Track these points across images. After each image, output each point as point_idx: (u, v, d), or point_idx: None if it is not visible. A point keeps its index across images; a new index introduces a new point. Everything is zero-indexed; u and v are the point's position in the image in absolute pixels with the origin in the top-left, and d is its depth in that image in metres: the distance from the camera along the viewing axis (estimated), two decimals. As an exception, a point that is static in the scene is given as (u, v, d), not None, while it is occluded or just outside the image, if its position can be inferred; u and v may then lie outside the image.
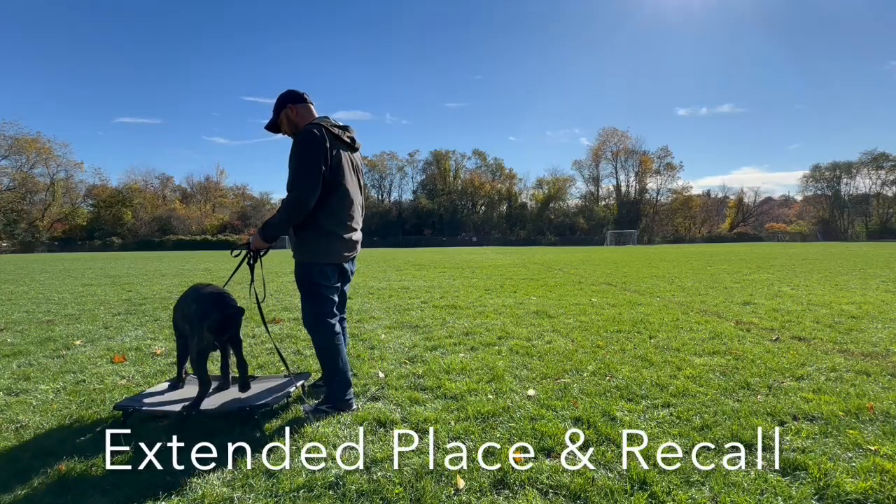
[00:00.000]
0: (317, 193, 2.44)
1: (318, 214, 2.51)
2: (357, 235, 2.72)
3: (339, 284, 2.72)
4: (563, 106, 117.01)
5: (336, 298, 2.71)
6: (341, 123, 2.64)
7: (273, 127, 2.71)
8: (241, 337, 2.68)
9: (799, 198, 78.74)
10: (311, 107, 2.67)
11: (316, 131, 2.46)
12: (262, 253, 2.70)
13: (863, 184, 70.54)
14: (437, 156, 73.53)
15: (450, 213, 69.78)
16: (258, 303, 2.81)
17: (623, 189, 73.89)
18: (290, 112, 2.62)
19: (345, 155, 2.59)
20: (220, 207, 73.11)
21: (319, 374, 3.22)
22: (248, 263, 2.72)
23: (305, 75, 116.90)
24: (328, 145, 2.46)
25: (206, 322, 2.45)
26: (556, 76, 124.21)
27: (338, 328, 2.66)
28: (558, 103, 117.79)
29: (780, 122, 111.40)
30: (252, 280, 2.75)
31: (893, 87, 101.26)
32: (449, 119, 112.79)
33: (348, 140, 2.63)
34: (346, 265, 2.72)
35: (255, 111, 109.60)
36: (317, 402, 2.72)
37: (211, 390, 2.70)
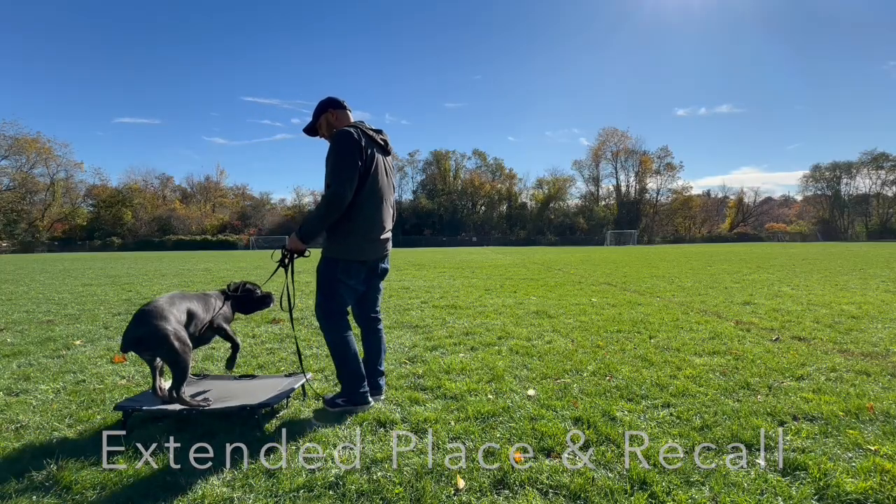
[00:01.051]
0: (353, 189, 2.50)
1: (349, 213, 2.55)
2: (386, 235, 2.76)
3: (363, 284, 2.74)
4: (563, 106, 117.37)
5: (350, 299, 2.72)
6: (376, 128, 2.73)
7: (311, 130, 2.80)
8: (179, 365, 2.37)
9: (799, 198, 78.88)
10: (349, 113, 2.77)
11: (353, 131, 2.54)
12: (296, 255, 2.70)
13: (863, 184, 70.68)
14: (437, 156, 73.52)
15: (450, 213, 69.77)
16: (290, 308, 2.84)
17: (623, 189, 73.92)
18: (330, 116, 2.73)
19: (379, 157, 2.67)
20: (220, 207, 73.08)
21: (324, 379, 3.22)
22: (283, 265, 2.70)
23: (304, 76, 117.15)
24: (364, 145, 2.54)
25: (122, 338, 2.40)
26: (555, 76, 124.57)
27: (347, 324, 2.69)
28: (557, 103, 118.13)
29: (779, 122, 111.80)
30: (286, 284, 2.76)
31: (892, 87, 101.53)
32: (448, 119, 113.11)
33: (382, 143, 2.71)
34: (374, 264, 2.74)
35: (254, 112, 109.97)
36: (332, 395, 2.75)
37: (210, 392, 2.70)
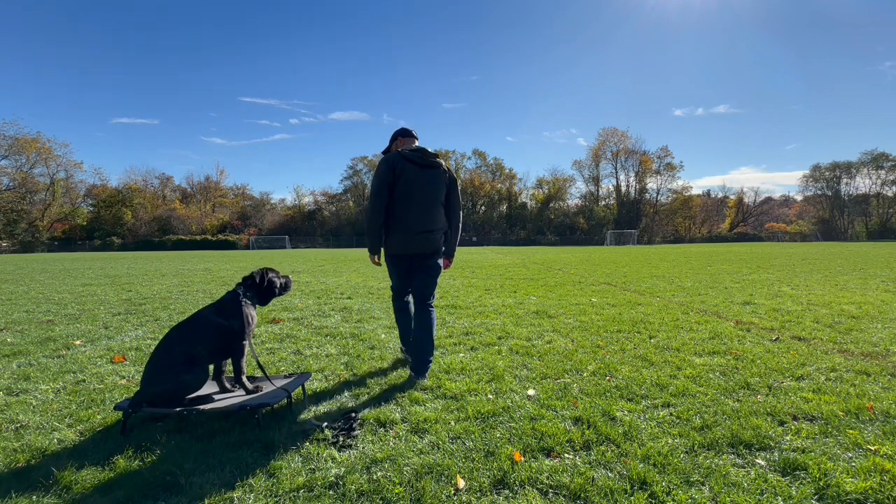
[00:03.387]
0: (381, 201, 3.14)
1: (387, 218, 3.20)
2: (421, 235, 3.18)
3: (404, 272, 3.32)
4: (560, 107, 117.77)
5: (400, 282, 3.39)
6: (417, 147, 3.26)
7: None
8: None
9: (799, 198, 78.91)
10: (414, 140, 3.40)
11: (387, 157, 3.21)
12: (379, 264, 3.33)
13: (863, 184, 70.75)
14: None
15: (391, 157, 69.57)
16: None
17: (623, 189, 73.97)
18: (398, 143, 3.39)
19: (413, 172, 3.17)
20: (219, 207, 73.09)
21: (324, 376, 3.22)
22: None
23: (302, 77, 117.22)
24: (394, 165, 3.13)
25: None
26: (552, 77, 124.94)
27: (398, 306, 3.46)
28: (555, 104, 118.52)
29: (777, 122, 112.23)
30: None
31: (889, 88, 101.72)
32: (446, 120, 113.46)
33: (418, 160, 3.19)
34: (413, 259, 3.25)
35: (252, 112, 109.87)
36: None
37: (210, 393, 2.71)
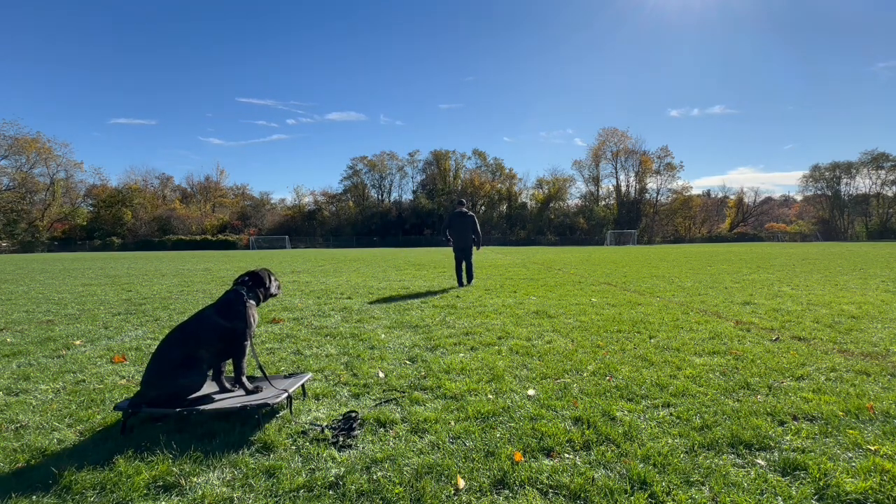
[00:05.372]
0: (445, 229, 9.18)
1: (451, 236, 9.14)
2: (460, 241, 8.97)
3: (459, 256, 9.07)
4: (557, 107, 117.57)
5: (457, 260, 9.13)
6: (458, 211, 9.12)
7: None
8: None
9: (799, 198, 78.86)
10: (461, 206, 9.23)
11: (449, 214, 9.30)
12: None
13: (863, 184, 70.71)
14: (436, 156, 73.53)
15: (450, 213, 69.73)
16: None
17: (623, 189, 73.93)
18: (456, 206, 9.27)
19: (456, 220, 9.05)
20: (219, 207, 73.06)
21: (322, 375, 3.22)
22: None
23: (298, 77, 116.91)
24: (449, 217, 9.20)
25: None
26: (549, 78, 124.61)
27: (458, 269, 9.09)
28: (552, 105, 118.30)
29: (773, 122, 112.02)
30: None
31: (882, 88, 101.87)
32: (443, 120, 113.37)
33: (458, 214, 9.05)
34: (459, 250, 9.04)
35: (249, 113, 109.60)
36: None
37: (210, 392, 2.70)
